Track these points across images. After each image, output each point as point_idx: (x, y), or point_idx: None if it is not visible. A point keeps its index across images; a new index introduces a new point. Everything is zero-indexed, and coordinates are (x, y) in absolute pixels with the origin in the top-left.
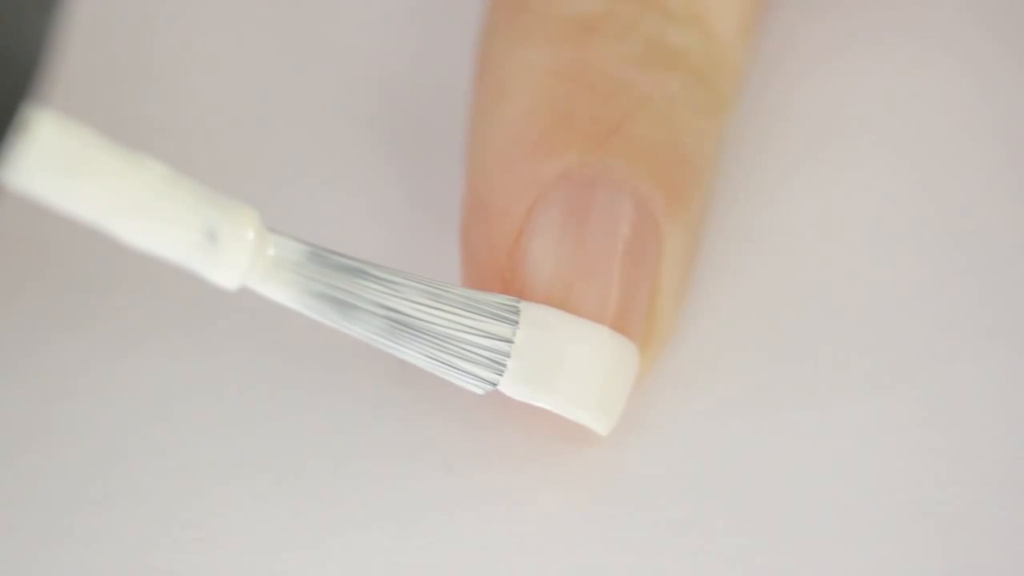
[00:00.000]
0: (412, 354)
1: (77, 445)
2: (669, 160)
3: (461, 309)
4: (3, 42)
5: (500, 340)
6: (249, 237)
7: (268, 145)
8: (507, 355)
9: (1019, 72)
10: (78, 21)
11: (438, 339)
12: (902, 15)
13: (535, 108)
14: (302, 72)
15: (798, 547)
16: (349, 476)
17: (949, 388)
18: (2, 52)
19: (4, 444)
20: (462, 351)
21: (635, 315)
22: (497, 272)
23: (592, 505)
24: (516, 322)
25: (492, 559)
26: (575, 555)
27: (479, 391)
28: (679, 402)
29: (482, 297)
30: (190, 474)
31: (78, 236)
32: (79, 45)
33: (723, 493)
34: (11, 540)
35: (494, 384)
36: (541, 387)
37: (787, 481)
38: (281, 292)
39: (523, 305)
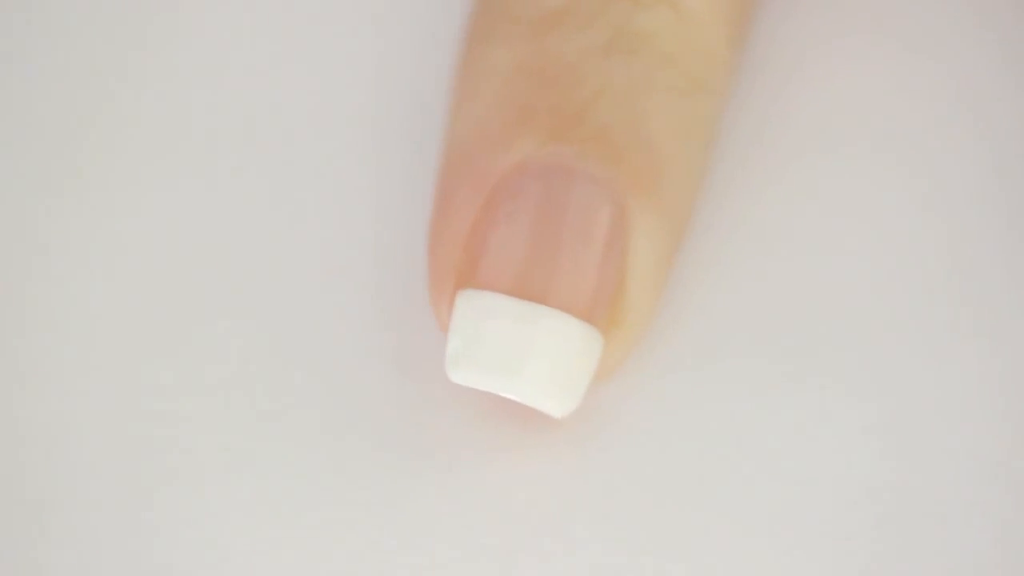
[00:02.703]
0: None
1: (74, 445)
2: (631, 143)
3: None
4: None
5: None
6: None
7: (264, 143)
8: None
9: (1020, 67)
10: (72, 17)
11: None
12: (901, 12)
13: (497, 104)
14: (302, 72)
15: (781, 542)
16: (345, 475)
17: (948, 386)
18: None
19: (2, 444)
20: None
21: (592, 299)
22: (453, 266)
23: (564, 494)
24: None
25: (479, 553)
26: (546, 545)
27: None
28: (659, 391)
29: None
30: (187, 473)
31: (73, 231)
32: (77, 39)
33: (706, 485)
34: (9, 541)
35: None
36: (492, 373)
37: (771, 475)
38: None
39: (475, 294)
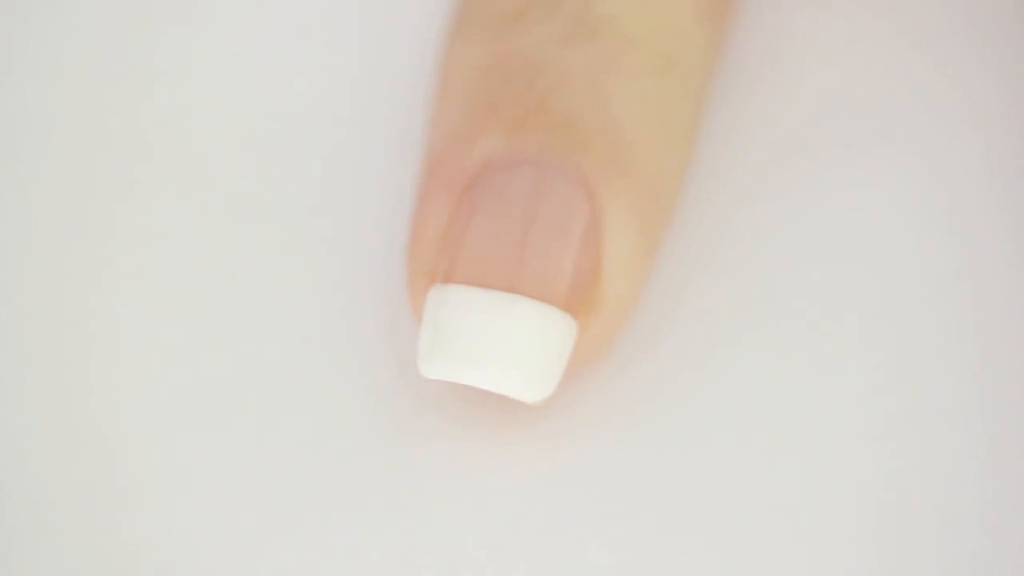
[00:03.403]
0: None
1: (69, 449)
2: (595, 128)
3: None
4: None
5: None
6: None
7: (256, 146)
8: None
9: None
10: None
11: None
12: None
13: (465, 103)
14: (291, 76)
15: (766, 531)
16: (341, 478)
17: (945, 382)
18: None
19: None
20: None
21: (564, 286)
22: (428, 265)
23: (543, 482)
24: None
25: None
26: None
27: None
28: (641, 378)
29: None
30: (182, 478)
31: (69, 233)
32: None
33: (684, 472)
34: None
35: None
36: (461, 365)
37: (750, 463)
38: None
39: (445, 288)
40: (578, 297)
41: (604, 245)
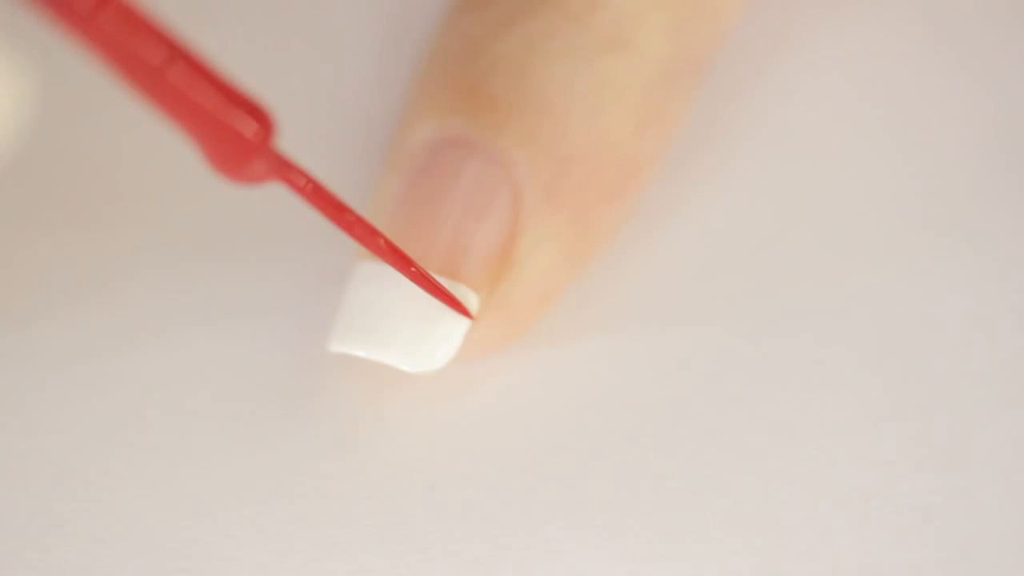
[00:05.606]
0: None
1: (61, 477)
2: (516, 106)
3: None
4: None
5: None
6: None
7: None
8: None
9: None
10: None
11: None
12: None
13: (415, 90)
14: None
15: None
16: (338, 498)
17: (938, 376)
18: None
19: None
20: None
21: (466, 258)
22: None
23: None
24: None
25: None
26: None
27: None
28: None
29: None
30: (175, 504)
31: (68, 238)
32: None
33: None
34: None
35: None
36: (357, 340)
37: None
38: None
39: (357, 264)
40: (483, 270)
41: (520, 220)
